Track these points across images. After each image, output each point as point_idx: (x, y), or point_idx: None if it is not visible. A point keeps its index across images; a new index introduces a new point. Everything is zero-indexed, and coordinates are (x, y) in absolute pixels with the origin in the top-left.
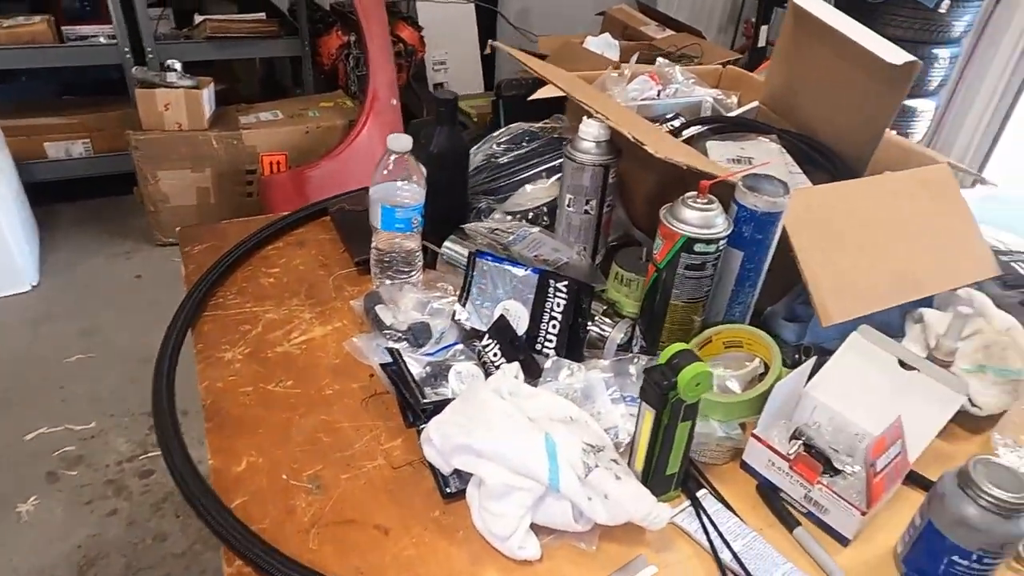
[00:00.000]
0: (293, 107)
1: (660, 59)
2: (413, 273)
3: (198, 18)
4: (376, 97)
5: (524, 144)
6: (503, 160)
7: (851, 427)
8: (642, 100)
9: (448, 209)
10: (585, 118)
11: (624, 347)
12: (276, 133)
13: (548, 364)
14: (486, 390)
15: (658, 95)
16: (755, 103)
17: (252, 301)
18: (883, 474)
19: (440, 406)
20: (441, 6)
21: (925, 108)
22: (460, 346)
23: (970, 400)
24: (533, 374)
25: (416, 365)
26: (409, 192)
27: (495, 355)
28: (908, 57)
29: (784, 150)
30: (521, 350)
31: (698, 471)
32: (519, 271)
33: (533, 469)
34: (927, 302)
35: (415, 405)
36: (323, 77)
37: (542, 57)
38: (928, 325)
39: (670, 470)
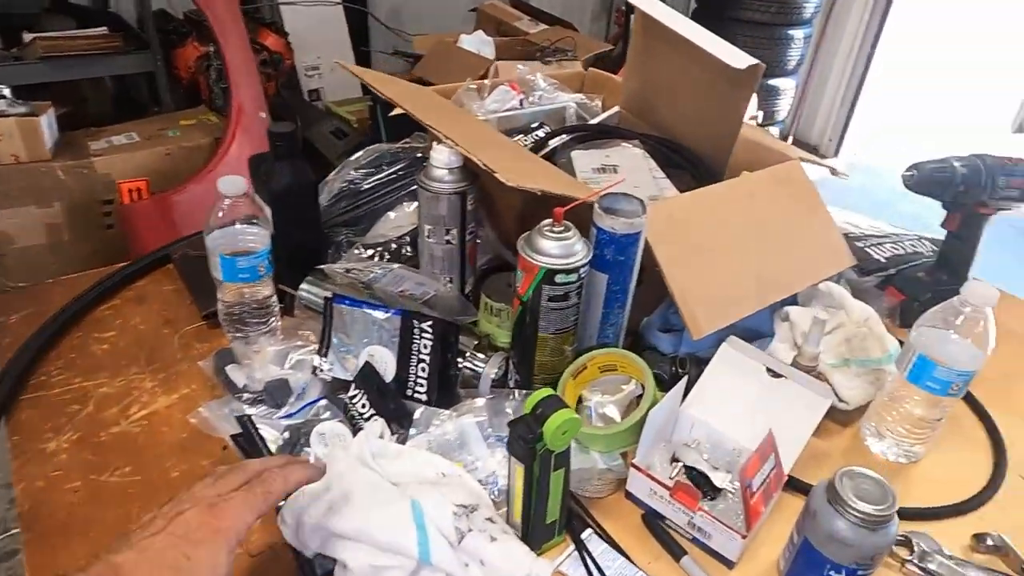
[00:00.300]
0: (151, 127)
1: (519, 67)
2: (270, 321)
3: (27, 36)
4: (242, 111)
5: (384, 167)
6: (363, 186)
7: (728, 442)
8: (504, 112)
9: (301, 248)
10: (435, 144)
11: (499, 382)
12: (133, 157)
13: (417, 414)
14: (346, 459)
15: (521, 104)
16: (616, 108)
17: (82, 375)
18: (759, 493)
19: None
20: (306, 9)
21: (787, 86)
22: (324, 401)
23: (837, 395)
24: (405, 423)
25: (272, 431)
26: (253, 236)
27: (363, 407)
28: (751, 61)
29: (647, 155)
30: (390, 398)
31: (582, 507)
32: (380, 314)
33: (401, 544)
34: (791, 299)
35: None
36: (183, 92)
37: (417, 58)
38: (794, 323)
39: (550, 518)
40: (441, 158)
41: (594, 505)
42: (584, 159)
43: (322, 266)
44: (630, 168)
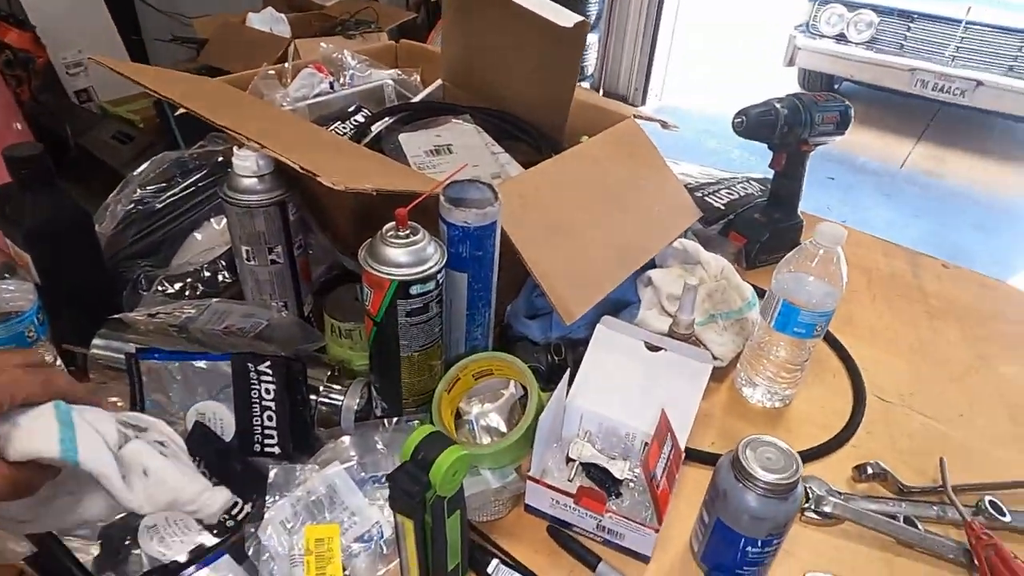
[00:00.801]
0: None
1: (322, 45)
2: None
3: None
4: None
5: (178, 180)
6: (156, 206)
7: (620, 428)
8: (314, 98)
9: (82, 295)
10: (237, 149)
11: (363, 413)
12: None
13: (272, 475)
14: None
15: (332, 87)
16: (439, 82)
17: None
18: (664, 479)
19: None
20: None
21: (591, 40)
22: None
23: (711, 355)
24: (259, 488)
25: (78, 541)
26: (12, 294)
27: (204, 475)
28: (576, 18)
29: (480, 129)
30: (235, 460)
31: (482, 535)
32: (203, 363)
33: (35, 448)
34: (649, 262)
35: None
36: None
37: (202, 43)
38: (657, 287)
39: (451, 564)
40: (247, 165)
41: (494, 529)
42: (414, 142)
43: (118, 315)
44: (465, 146)
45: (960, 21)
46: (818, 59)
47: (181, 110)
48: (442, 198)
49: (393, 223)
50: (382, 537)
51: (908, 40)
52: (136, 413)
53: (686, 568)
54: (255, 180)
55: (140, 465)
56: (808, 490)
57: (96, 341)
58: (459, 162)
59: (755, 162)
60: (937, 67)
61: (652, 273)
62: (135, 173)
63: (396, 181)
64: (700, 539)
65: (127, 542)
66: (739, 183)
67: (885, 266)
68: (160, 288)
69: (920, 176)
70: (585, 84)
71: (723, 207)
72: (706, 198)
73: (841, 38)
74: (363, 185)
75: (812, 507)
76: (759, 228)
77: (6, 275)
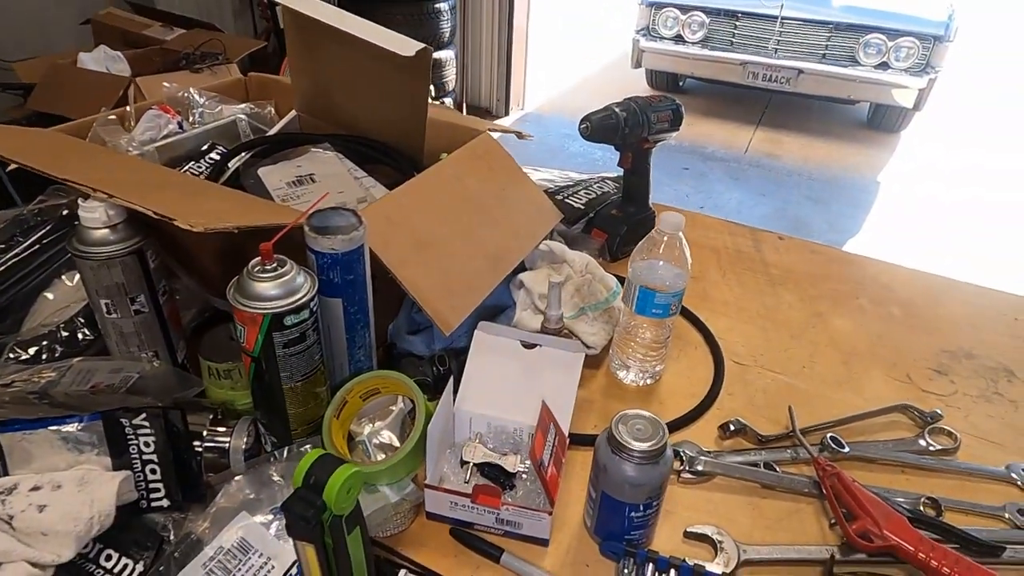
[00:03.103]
0: None
1: (165, 85)
2: None
3: None
4: None
5: (19, 239)
6: None
7: (508, 425)
8: (162, 140)
9: None
10: (82, 201)
11: (253, 451)
12: None
13: (170, 544)
14: None
15: (181, 127)
16: (293, 113)
17: None
18: (551, 465)
19: None
20: None
21: (448, 57)
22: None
23: (584, 344)
24: (149, 545)
25: None
26: None
27: (96, 552)
28: (418, 46)
29: (342, 156)
30: (125, 522)
31: (387, 549)
32: (71, 427)
33: None
34: (519, 266)
35: None
36: None
37: (29, 88)
38: (529, 288)
39: None
40: (95, 217)
41: (399, 541)
42: (275, 175)
43: None
44: (328, 174)
45: (776, 17)
46: (661, 59)
47: (13, 165)
48: (307, 228)
49: (258, 258)
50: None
51: (736, 37)
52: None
53: (582, 544)
54: (107, 231)
55: (39, 531)
56: (681, 453)
57: None
58: (323, 190)
59: (616, 159)
60: (764, 59)
61: (523, 276)
62: None
63: (258, 216)
64: (591, 514)
65: None
66: (595, 183)
67: (731, 244)
68: (12, 355)
69: (762, 159)
70: (448, 100)
71: (583, 207)
72: (566, 200)
73: (679, 39)
74: (224, 224)
75: (687, 468)
76: (617, 223)
77: None
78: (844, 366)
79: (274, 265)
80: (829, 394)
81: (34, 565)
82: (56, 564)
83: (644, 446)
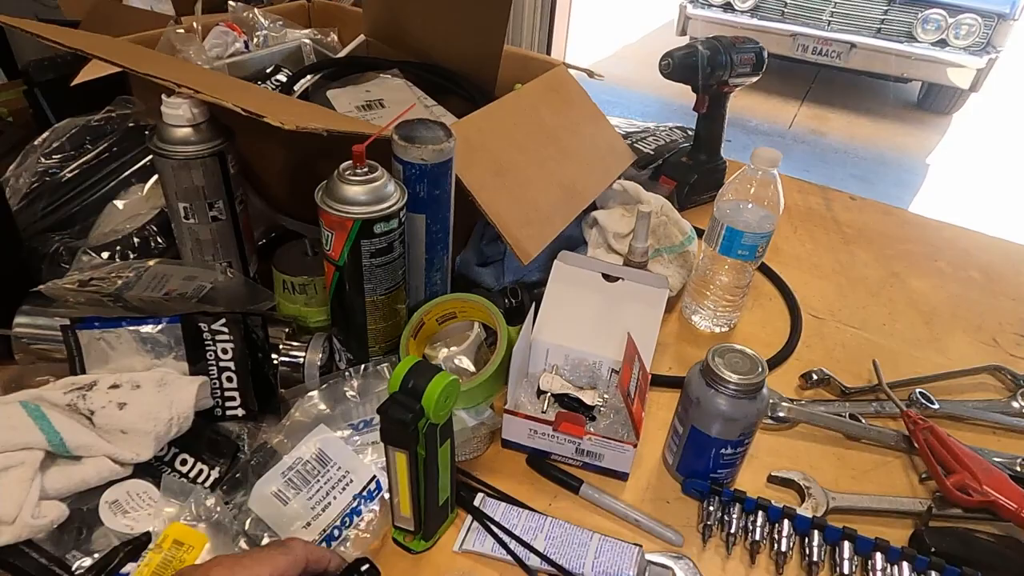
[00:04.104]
0: None
1: (232, 3)
2: None
3: None
4: None
5: (87, 147)
6: (65, 176)
7: (587, 358)
8: (229, 57)
9: None
10: (166, 97)
11: (325, 368)
12: None
13: (245, 453)
14: None
15: (247, 47)
16: (361, 38)
17: None
18: (637, 398)
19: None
20: None
21: None
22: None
23: None
24: (226, 453)
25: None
26: None
27: (172, 455)
28: None
29: (411, 84)
30: (202, 429)
31: (465, 475)
32: (150, 327)
33: (24, 440)
34: (591, 204)
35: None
36: None
37: (73, 25)
38: (603, 226)
39: (442, 497)
40: (179, 114)
41: (474, 466)
42: (343, 98)
43: (41, 287)
44: (397, 100)
45: None
46: (708, 27)
47: (85, 76)
48: (396, 137)
49: (350, 161)
50: (380, 491)
51: (788, 7)
52: (76, 377)
53: (662, 481)
54: (190, 130)
55: (117, 429)
56: None
57: (19, 319)
58: (392, 116)
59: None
60: (816, 31)
61: (596, 214)
62: (35, 143)
63: (343, 123)
64: (674, 451)
65: (89, 521)
66: (664, 131)
67: (801, 202)
68: (87, 259)
69: (807, 135)
70: None
71: (652, 152)
72: (635, 144)
73: (727, 7)
74: (315, 125)
75: (768, 414)
76: (687, 170)
77: None
78: (926, 326)
79: (365, 169)
80: (912, 352)
81: (114, 462)
82: (135, 463)
83: (741, 379)
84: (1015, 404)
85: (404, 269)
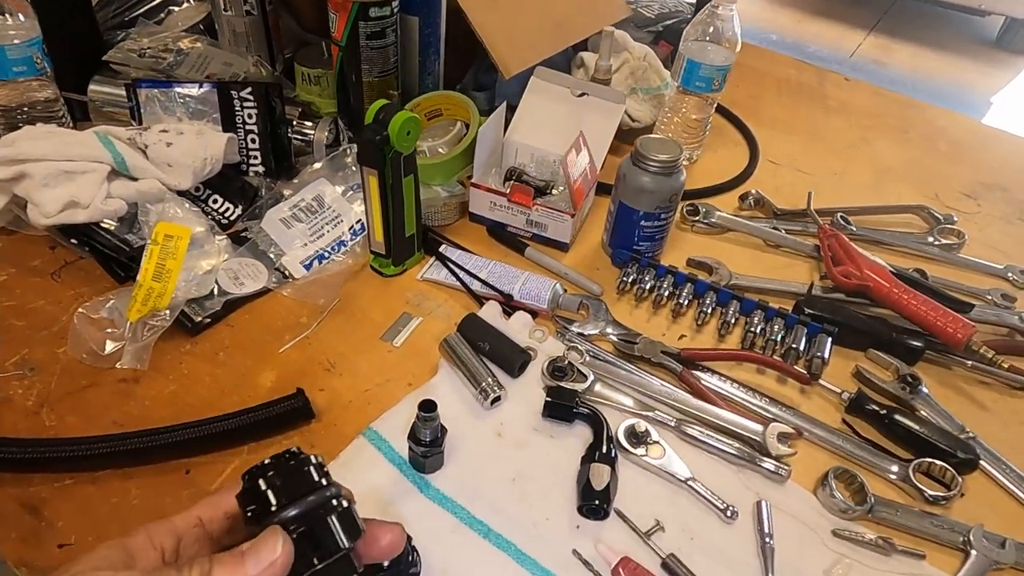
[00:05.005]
0: None
1: None
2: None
3: None
4: None
5: None
6: None
7: (550, 157)
8: None
9: (76, 45)
10: None
11: (332, 147)
12: None
13: (263, 196)
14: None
15: None
16: None
17: None
18: (579, 180)
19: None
20: None
21: None
22: None
23: (629, 116)
24: (248, 197)
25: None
26: (13, 27)
27: (202, 192)
28: None
29: None
30: (231, 181)
31: (436, 233)
32: (192, 89)
33: (94, 155)
34: (580, 46)
35: (121, 255)
36: None
37: None
38: (587, 67)
39: (408, 231)
40: None
41: (446, 230)
42: None
43: (109, 55)
44: None
45: None
46: None
47: None
48: None
49: None
50: (364, 231)
51: None
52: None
53: (598, 257)
54: None
55: (165, 160)
56: (700, 207)
57: (93, 85)
58: None
59: None
60: None
61: (584, 55)
62: None
63: None
64: (608, 229)
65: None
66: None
67: (795, 77)
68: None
69: (867, 64)
70: None
71: (653, 17)
72: (638, 9)
73: None
74: None
75: (702, 220)
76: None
77: (9, 12)
78: (874, 177)
79: None
80: (853, 197)
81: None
82: (177, 189)
83: (662, 157)
84: (929, 238)
85: (396, 59)
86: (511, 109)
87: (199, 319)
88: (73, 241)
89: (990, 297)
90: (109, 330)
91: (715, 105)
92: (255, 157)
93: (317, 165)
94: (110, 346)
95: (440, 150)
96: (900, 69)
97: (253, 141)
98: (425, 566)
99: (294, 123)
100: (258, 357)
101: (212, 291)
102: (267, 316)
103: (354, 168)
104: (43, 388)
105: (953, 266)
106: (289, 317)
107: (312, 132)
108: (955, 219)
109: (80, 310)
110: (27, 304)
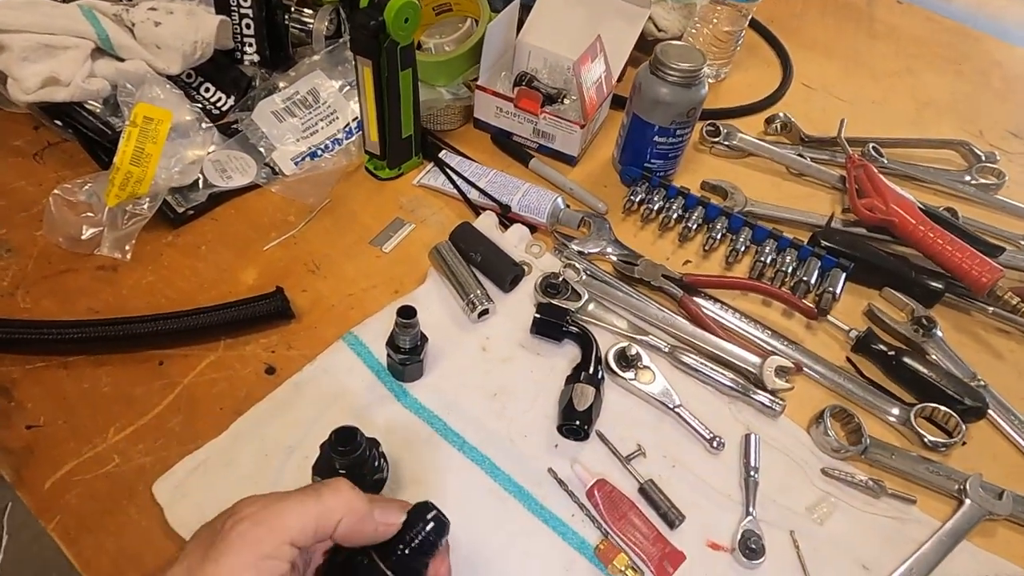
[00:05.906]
0: None
1: None
2: None
3: None
4: None
5: None
6: None
7: (564, 63)
8: None
9: None
10: None
11: (332, 39)
12: None
13: (256, 87)
14: None
15: None
16: None
17: None
18: (593, 89)
19: None
20: None
21: None
22: None
23: (655, 25)
24: (241, 88)
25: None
26: None
27: (191, 78)
28: None
29: None
30: (225, 69)
31: (436, 138)
32: None
33: (78, 30)
34: None
35: (104, 139)
36: None
37: None
38: None
39: (405, 132)
40: None
41: (448, 136)
42: None
43: None
44: None
45: None
46: None
47: None
48: None
49: None
50: (360, 130)
51: None
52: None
53: (605, 172)
54: None
55: (154, 42)
56: (721, 128)
57: None
58: None
59: None
60: None
61: None
62: None
63: None
64: (619, 144)
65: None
66: None
67: None
68: None
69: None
70: None
71: None
72: None
73: None
74: None
75: (722, 141)
76: None
77: None
78: (915, 109)
79: None
80: (890, 129)
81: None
82: (165, 74)
83: (683, 65)
84: (967, 176)
85: None
86: (526, 8)
87: (182, 210)
88: (57, 122)
89: (1023, 242)
90: (87, 214)
91: (749, 18)
92: (250, 44)
93: (315, 57)
94: (87, 231)
95: (447, 48)
96: (964, 5)
97: (248, 27)
98: (394, 474)
99: (292, 9)
100: (241, 253)
101: (197, 182)
102: (253, 212)
103: (352, 63)
104: (19, 270)
105: (988, 207)
106: (276, 215)
107: (311, 21)
108: (997, 158)
109: (56, 191)
110: (7, 184)
